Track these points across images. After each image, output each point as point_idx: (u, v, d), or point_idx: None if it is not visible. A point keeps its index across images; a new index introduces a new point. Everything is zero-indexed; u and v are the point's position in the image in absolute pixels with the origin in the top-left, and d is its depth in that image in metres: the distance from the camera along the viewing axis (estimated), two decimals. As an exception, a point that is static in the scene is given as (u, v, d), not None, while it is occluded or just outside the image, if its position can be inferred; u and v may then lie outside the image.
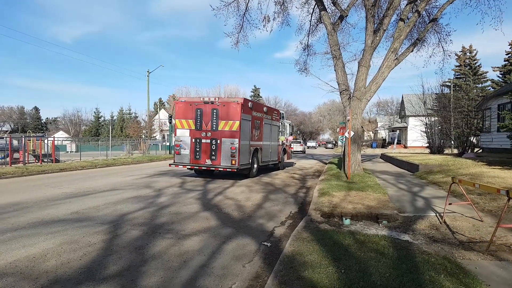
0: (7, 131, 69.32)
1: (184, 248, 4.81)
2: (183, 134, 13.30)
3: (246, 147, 13.31)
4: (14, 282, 3.59)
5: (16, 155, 20.51)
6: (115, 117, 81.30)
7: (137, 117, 77.10)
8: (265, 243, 5.15)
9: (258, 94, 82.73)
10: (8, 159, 18.66)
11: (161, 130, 65.07)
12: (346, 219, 6.24)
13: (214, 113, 12.82)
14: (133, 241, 5.08)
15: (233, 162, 12.56)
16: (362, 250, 4.45)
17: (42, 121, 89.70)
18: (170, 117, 36.25)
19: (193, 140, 13.13)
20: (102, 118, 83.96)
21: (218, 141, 12.76)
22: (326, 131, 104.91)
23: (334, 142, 74.97)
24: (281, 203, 8.45)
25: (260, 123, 14.73)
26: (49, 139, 26.02)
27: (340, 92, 13.99)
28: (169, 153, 34.59)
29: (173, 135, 13.99)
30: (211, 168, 13.14)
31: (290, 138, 21.13)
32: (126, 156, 27.81)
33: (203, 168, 13.24)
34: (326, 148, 69.21)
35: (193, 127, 13.14)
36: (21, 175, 14.11)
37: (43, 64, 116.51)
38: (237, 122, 12.53)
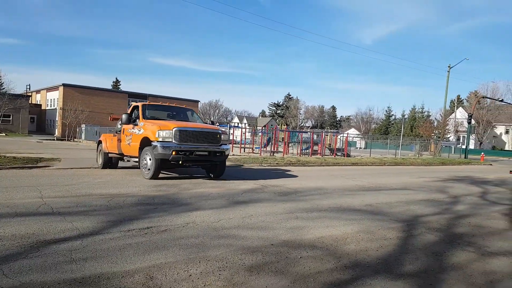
0: (309, 126, 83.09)
1: (490, 267, 4.23)
2: None
3: None
4: (322, 255, 4.22)
5: (315, 148, 24.41)
6: (406, 116, 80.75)
7: (429, 116, 73.49)
8: None
9: None
10: (309, 150, 22.45)
11: (456, 131, 59.02)
12: None
13: None
14: (429, 245, 4.95)
15: None
16: None
17: (337, 119, 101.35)
18: (470, 117, 32.23)
19: None
20: (393, 117, 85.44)
21: None
22: None
23: None
24: None
25: None
26: (343, 135, 29.17)
27: None
28: (464, 157, 30.94)
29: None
30: None
31: None
32: (415, 157, 27.13)
33: None
34: None
35: None
36: (320, 165, 16.61)
37: (342, 65, 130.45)
38: None
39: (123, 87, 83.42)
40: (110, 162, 11.42)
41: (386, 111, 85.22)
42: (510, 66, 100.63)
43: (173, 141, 8.65)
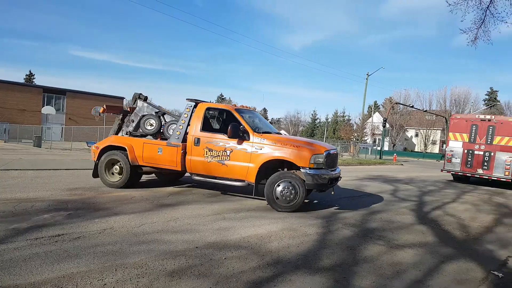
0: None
1: (397, 258, 4.64)
2: (456, 145, 15.65)
3: None
4: (246, 255, 4.28)
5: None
6: (329, 119, 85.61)
7: (349, 120, 78.85)
8: (495, 272, 4.37)
9: (495, 98, 69.91)
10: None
11: (373, 134, 64.11)
12: None
13: (490, 129, 14.81)
14: (345, 240, 5.28)
15: (506, 173, 14.30)
16: None
17: (268, 121, 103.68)
18: (385, 121, 35.22)
19: (465, 151, 15.37)
20: (318, 120, 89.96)
21: (492, 154, 14.69)
22: None
23: None
24: (520, 231, 6.92)
25: None
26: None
27: None
28: (379, 158, 33.73)
29: (445, 145, 16.58)
30: (484, 177, 14.90)
31: None
32: (338, 158, 28.94)
33: (475, 176, 15.26)
34: None
35: (466, 140, 15.38)
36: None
37: (273, 69, 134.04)
38: None
39: (38, 81, 75.91)
40: (133, 178, 8.28)
41: (312, 114, 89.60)
42: (420, 75, 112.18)
43: (323, 167, 7.00)
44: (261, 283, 3.51)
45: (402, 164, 30.82)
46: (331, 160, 7.32)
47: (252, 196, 7.75)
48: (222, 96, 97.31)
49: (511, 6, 11.29)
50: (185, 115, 7.91)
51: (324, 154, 7.02)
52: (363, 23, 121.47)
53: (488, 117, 15.36)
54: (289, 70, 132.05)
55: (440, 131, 63.92)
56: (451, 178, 17.11)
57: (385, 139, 50.19)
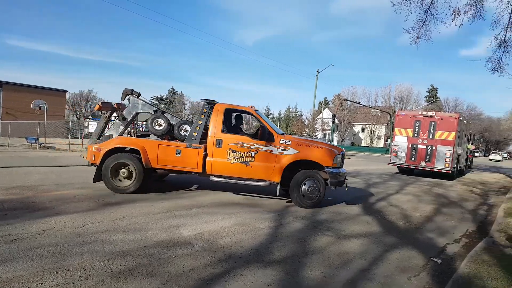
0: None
1: (344, 248, 4.81)
2: (401, 140, 16.78)
3: (455, 154, 16.20)
4: (197, 252, 4.21)
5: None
6: (282, 115, 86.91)
7: (301, 115, 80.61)
8: (435, 259, 4.67)
9: (435, 95, 74.86)
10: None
11: (323, 129, 66.16)
12: (545, 249, 5.04)
13: (432, 125, 16.03)
14: (296, 232, 5.38)
15: (446, 165, 15.67)
16: None
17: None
18: (334, 117, 36.43)
19: (410, 145, 16.53)
20: (271, 116, 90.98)
21: (433, 147, 15.93)
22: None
23: None
24: (456, 219, 7.48)
25: (460, 133, 16.87)
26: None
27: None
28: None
29: (391, 140, 17.98)
30: (426, 169, 16.15)
31: (472, 147, 22.55)
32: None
33: (419, 168, 16.42)
34: None
35: (410, 135, 16.53)
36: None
37: (226, 64, 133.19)
38: (453, 133, 15.63)
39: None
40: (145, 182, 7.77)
41: (266, 110, 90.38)
42: (367, 73, 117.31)
43: (341, 166, 7.80)
44: (212, 279, 3.46)
45: (350, 158, 32.06)
46: (343, 159, 7.97)
47: (277, 196, 7.70)
48: (174, 89, 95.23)
49: (449, 7, 12.08)
50: (202, 116, 7.75)
51: (341, 154, 7.71)
52: (314, 20, 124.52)
53: (430, 113, 16.69)
54: (242, 65, 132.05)
55: (385, 126, 67.39)
56: (397, 170, 18.15)
57: (334, 134, 51.95)
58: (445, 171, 15.72)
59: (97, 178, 7.45)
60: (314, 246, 4.79)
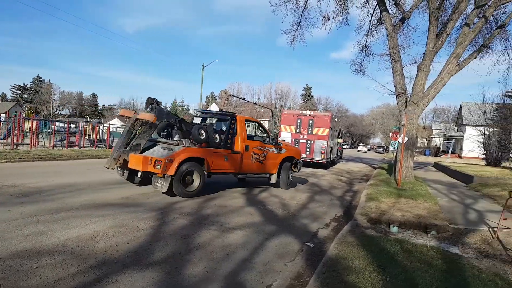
0: (65, 115, 74.19)
1: (228, 241, 4.88)
2: (286, 135, 18.86)
3: (329, 147, 18.74)
4: (65, 260, 3.75)
5: (72, 139, 21.86)
6: (168, 108, 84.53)
7: (189, 109, 79.65)
8: (308, 244, 5.08)
9: (309, 94, 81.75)
10: (65, 142, 20.01)
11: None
12: (393, 226, 5.98)
13: (310, 122, 18.50)
14: (180, 229, 5.24)
15: (322, 156, 18.20)
16: (409, 259, 4.28)
17: (99, 108, 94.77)
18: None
19: (293, 140, 18.60)
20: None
21: (312, 142, 18.39)
22: (378, 135, 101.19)
23: (385, 147, 72.42)
24: (326, 205, 8.30)
25: (332, 129, 19.43)
26: (104, 125, 27.54)
27: (397, 96, 13.46)
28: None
29: (278, 135, 18.33)
30: (307, 160, 17.99)
31: (341, 140, 26.13)
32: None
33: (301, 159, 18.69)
34: (376, 152, 66.75)
35: (294, 131, 18.80)
36: (77, 158, 15.02)
37: (104, 52, 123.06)
38: (327, 130, 18.22)
39: None
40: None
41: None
42: (251, 69, 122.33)
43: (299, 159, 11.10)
44: (81, 289, 3.11)
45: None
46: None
47: (270, 183, 10.22)
48: (40, 78, 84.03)
49: (320, 12, 13.28)
50: (232, 126, 9.07)
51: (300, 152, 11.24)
52: (198, 14, 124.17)
53: (308, 112, 19.47)
54: (122, 55, 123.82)
55: (267, 121, 71.24)
56: None
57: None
58: (321, 161, 18.20)
59: (170, 188, 7.51)
60: (198, 242, 4.73)
